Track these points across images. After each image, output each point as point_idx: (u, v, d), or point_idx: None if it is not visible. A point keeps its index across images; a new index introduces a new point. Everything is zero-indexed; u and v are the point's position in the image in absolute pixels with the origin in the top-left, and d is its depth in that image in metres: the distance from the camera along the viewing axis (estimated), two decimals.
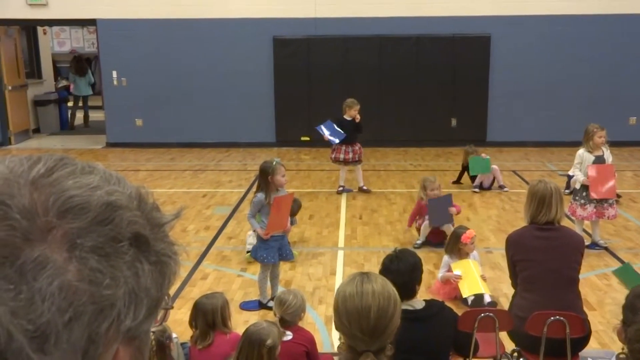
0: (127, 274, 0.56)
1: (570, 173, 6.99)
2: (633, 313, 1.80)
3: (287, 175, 5.62)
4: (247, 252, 6.29)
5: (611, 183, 6.42)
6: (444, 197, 6.75)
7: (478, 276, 5.31)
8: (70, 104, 15.91)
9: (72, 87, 15.92)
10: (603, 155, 6.54)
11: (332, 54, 12.22)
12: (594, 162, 6.45)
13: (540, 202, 3.96)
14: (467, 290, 5.28)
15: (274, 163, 5.18)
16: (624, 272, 5.28)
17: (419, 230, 6.83)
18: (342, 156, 8.78)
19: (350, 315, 1.95)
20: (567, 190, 7.93)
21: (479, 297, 5.28)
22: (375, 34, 12.14)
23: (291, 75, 12.30)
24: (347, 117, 8.79)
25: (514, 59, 12.16)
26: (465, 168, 9.14)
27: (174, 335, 3.44)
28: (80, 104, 15.72)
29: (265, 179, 5.16)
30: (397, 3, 12.06)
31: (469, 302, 5.26)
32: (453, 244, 5.51)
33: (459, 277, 5.33)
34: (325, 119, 12.28)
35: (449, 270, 5.48)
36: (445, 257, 5.59)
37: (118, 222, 0.56)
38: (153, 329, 0.64)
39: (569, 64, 12.12)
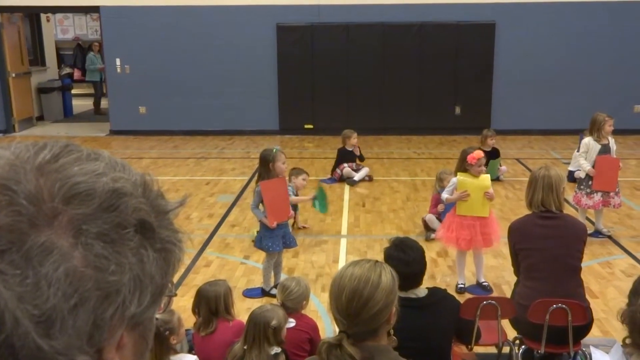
0: (132, 261, 0.57)
1: (576, 162, 6.92)
2: (636, 297, 1.80)
3: (291, 163, 5.62)
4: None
5: (614, 176, 6.40)
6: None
7: (482, 195, 5.22)
8: (74, 91, 16.00)
9: (81, 73, 16.04)
10: (609, 143, 6.52)
11: (335, 41, 12.17)
12: (600, 151, 6.43)
13: (541, 188, 3.97)
14: (464, 210, 5.26)
15: (274, 150, 5.18)
16: None
17: (424, 223, 6.78)
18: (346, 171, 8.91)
19: (330, 296, 2.07)
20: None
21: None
22: (379, 21, 12.08)
23: (295, 63, 12.26)
24: (348, 147, 8.92)
25: (519, 47, 12.09)
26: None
27: (185, 328, 3.45)
28: (94, 90, 15.83)
29: (266, 167, 5.15)
30: None
31: (465, 287, 5.33)
32: (460, 164, 5.43)
33: (466, 195, 5.26)
34: (328, 106, 12.31)
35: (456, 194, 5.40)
36: (454, 179, 5.53)
37: (123, 208, 0.57)
38: (157, 316, 0.64)
39: (574, 51, 12.06)
